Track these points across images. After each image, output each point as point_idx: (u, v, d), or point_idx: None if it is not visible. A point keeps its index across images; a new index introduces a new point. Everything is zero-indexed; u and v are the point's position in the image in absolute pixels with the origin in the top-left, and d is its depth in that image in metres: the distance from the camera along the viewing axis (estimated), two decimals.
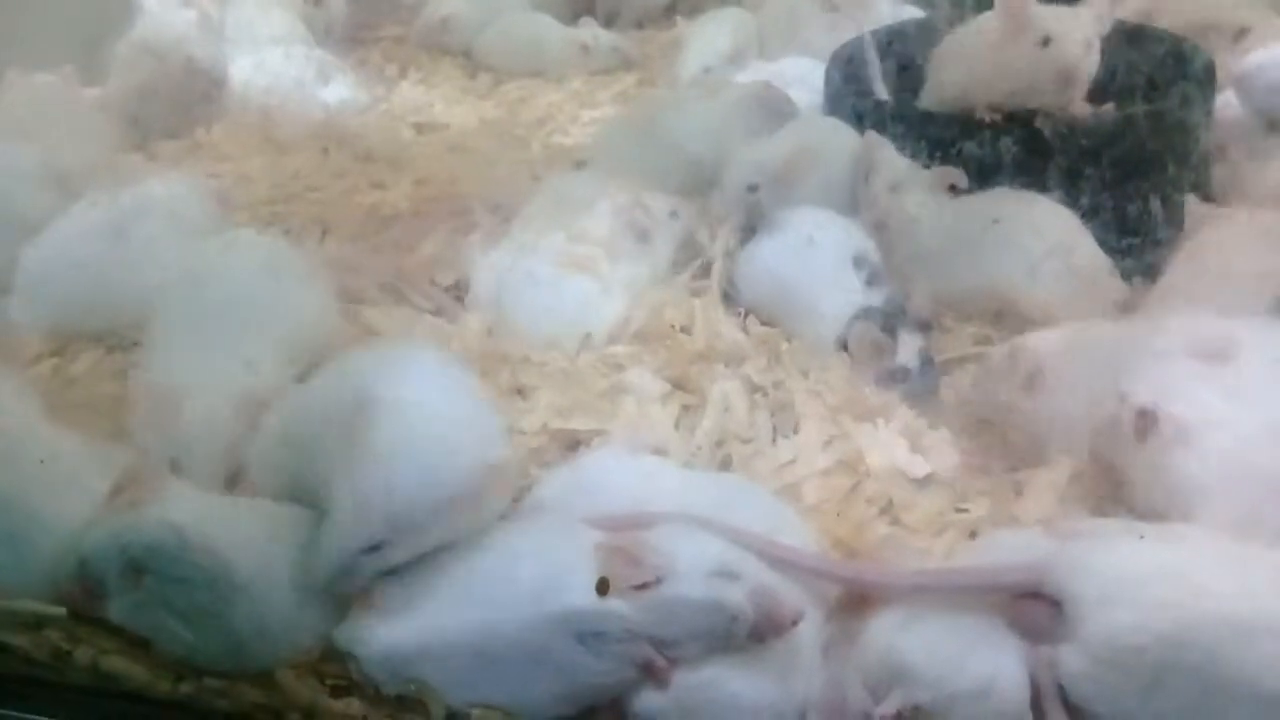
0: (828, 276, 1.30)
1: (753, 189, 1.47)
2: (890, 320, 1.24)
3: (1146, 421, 0.92)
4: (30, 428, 1.03)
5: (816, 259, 1.32)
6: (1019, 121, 1.45)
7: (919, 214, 1.39)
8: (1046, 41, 1.42)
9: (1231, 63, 1.67)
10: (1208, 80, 1.59)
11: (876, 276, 1.31)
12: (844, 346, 1.24)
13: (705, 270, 1.39)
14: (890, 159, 1.45)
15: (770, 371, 1.19)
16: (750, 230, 1.41)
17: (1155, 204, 1.46)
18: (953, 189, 1.40)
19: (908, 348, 1.23)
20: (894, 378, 1.21)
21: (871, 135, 1.48)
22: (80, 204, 1.37)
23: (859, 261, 1.31)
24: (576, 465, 1.01)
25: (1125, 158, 1.46)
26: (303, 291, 1.20)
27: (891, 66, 1.83)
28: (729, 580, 0.83)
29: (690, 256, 1.42)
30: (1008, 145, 1.44)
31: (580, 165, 1.68)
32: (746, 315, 1.32)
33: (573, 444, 1.13)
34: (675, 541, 0.86)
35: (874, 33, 1.87)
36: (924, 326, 1.29)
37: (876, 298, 1.28)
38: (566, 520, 0.93)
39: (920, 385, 1.22)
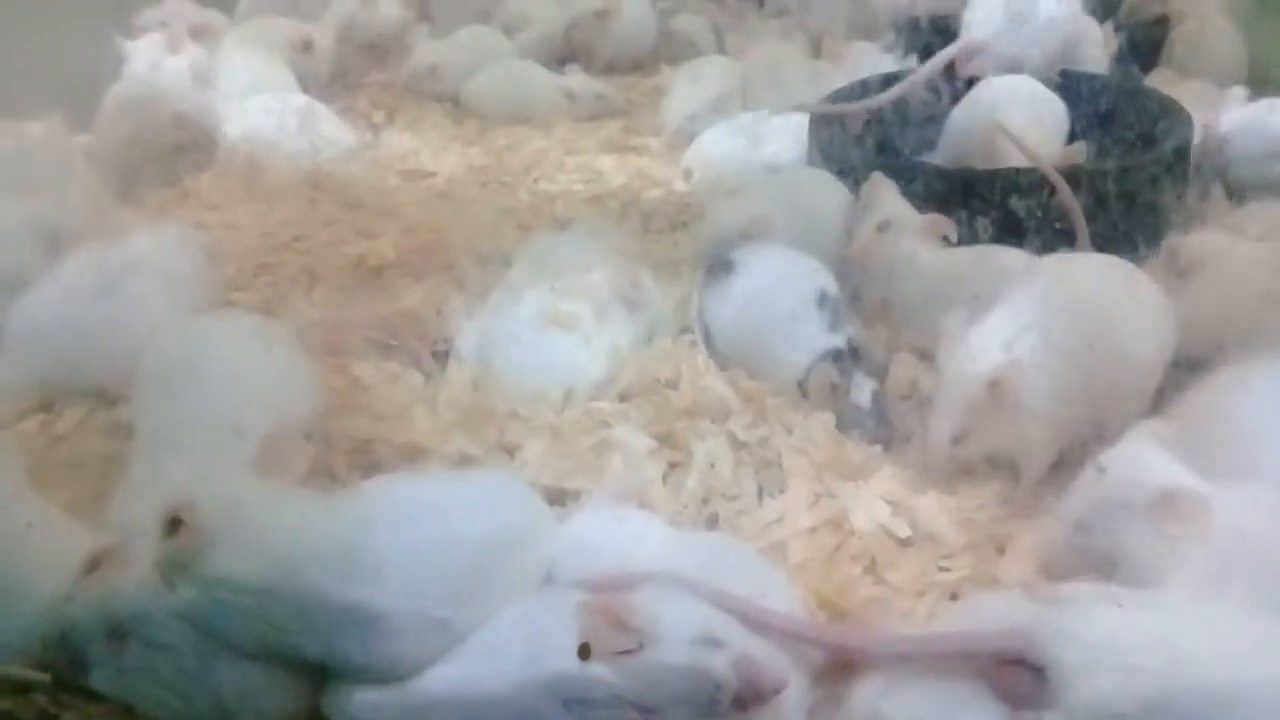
0: (791, 319, 1.31)
1: (727, 242, 1.49)
2: (847, 362, 1.26)
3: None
4: (14, 492, 1.03)
5: (780, 302, 1.33)
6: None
7: (905, 257, 1.40)
8: None
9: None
10: (1188, 139, 1.61)
11: (839, 318, 1.32)
12: (803, 388, 1.25)
13: (689, 326, 1.40)
14: (889, 201, 1.46)
15: (755, 428, 1.20)
16: (717, 273, 1.41)
17: None
18: (943, 238, 1.42)
19: (861, 389, 1.24)
20: (848, 419, 1.23)
21: (878, 176, 1.49)
22: (68, 260, 1.37)
23: (823, 302, 1.32)
24: (563, 525, 1.01)
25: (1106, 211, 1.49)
26: (290, 375, 1.19)
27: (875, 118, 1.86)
28: (713, 647, 0.83)
29: (678, 312, 1.42)
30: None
31: (565, 225, 1.69)
32: (724, 368, 1.33)
33: (560, 500, 1.13)
34: (660, 605, 0.86)
35: (854, 85, 1.91)
36: (880, 368, 1.31)
37: (839, 339, 1.29)
38: (551, 582, 0.93)
39: (872, 426, 1.24)
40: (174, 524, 0.87)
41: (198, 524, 0.86)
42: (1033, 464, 1.16)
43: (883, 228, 1.42)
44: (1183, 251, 1.33)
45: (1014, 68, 1.78)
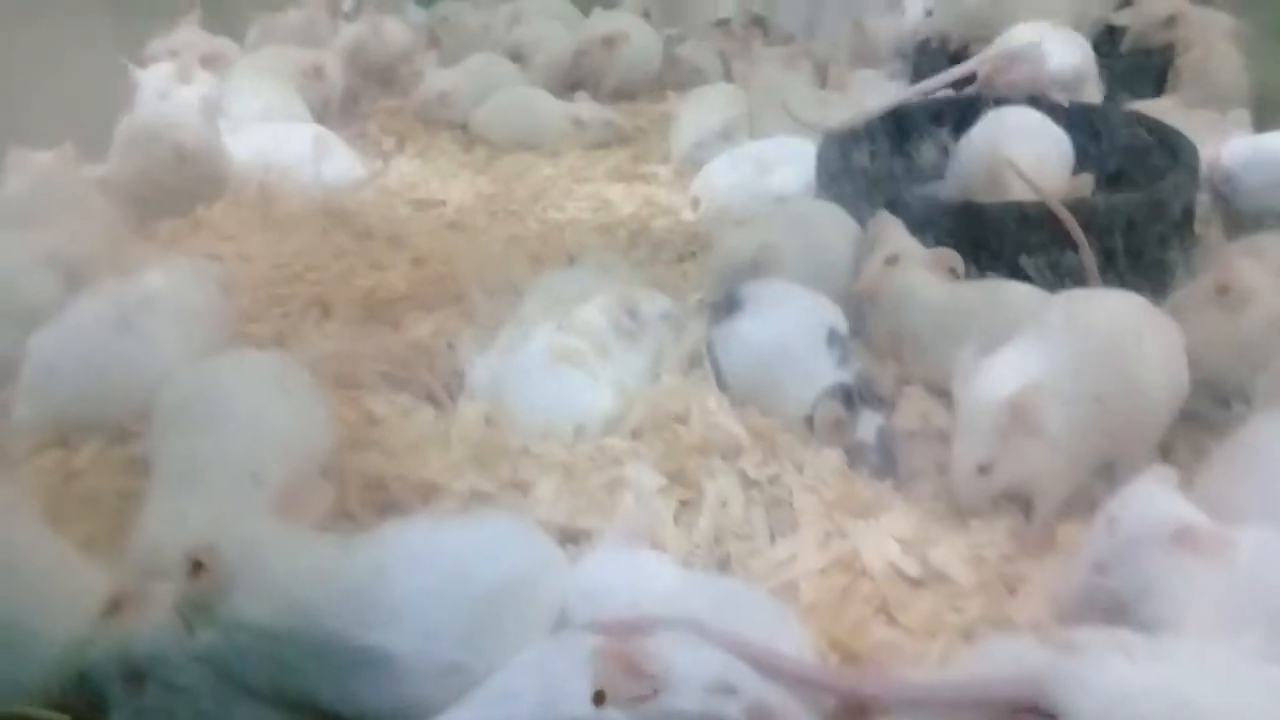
0: (800, 356, 1.32)
1: (735, 272, 1.50)
2: (853, 397, 1.27)
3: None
4: (33, 532, 1.04)
5: (789, 337, 1.34)
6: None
7: (913, 290, 1.42)
8: None
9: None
10: (1194, 170, 1.62)
11: (848, 354, 1.33)
12: (810, 423, 1.26)
13: (699, 360, 1.41)
14: (896, 236, 1.47)
15: (766, 465, 1.21)
16: (724, 308, 1.42)
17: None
18: (951, 272, 1.43)
19: (867, 424, 1.25)
20: (855, 455, 1.24)
21: (883, 214, 1.50)
22: (85, 296, 1.38)
23: (832, 339, 1.33)
24: (575, 566, 1.02)
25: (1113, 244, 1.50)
26: (307, 416, 1.20)
27: (881, 149, 1.88)
28: (726, 694, 0.83)
29: (687, 346, 1.43)
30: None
31: (574, 258, 1.70)
32: (736, 403, 1.34)
33: (573, 539, 1.14)
34: (673, 651, 0.87)
35: (864, 112, 1.93)
36: (886, 403, 1.32)
37: (847, 375, 1.30)
38: (565, 625, 0.94)
39: (879, 462, 1.24)
40: (195, 567, 0.88)
41: (218, 568, 0.88)
42: (1048, 497, 1.17)
43: (890, 261, 1.43)
44: (1234, 282, 1.32)
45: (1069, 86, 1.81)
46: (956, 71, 1.94)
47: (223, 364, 1.23)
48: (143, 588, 0.97)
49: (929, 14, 2.34)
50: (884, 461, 1.25)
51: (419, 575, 0.90)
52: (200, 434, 1.13)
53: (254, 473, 1.09)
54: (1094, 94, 2.03)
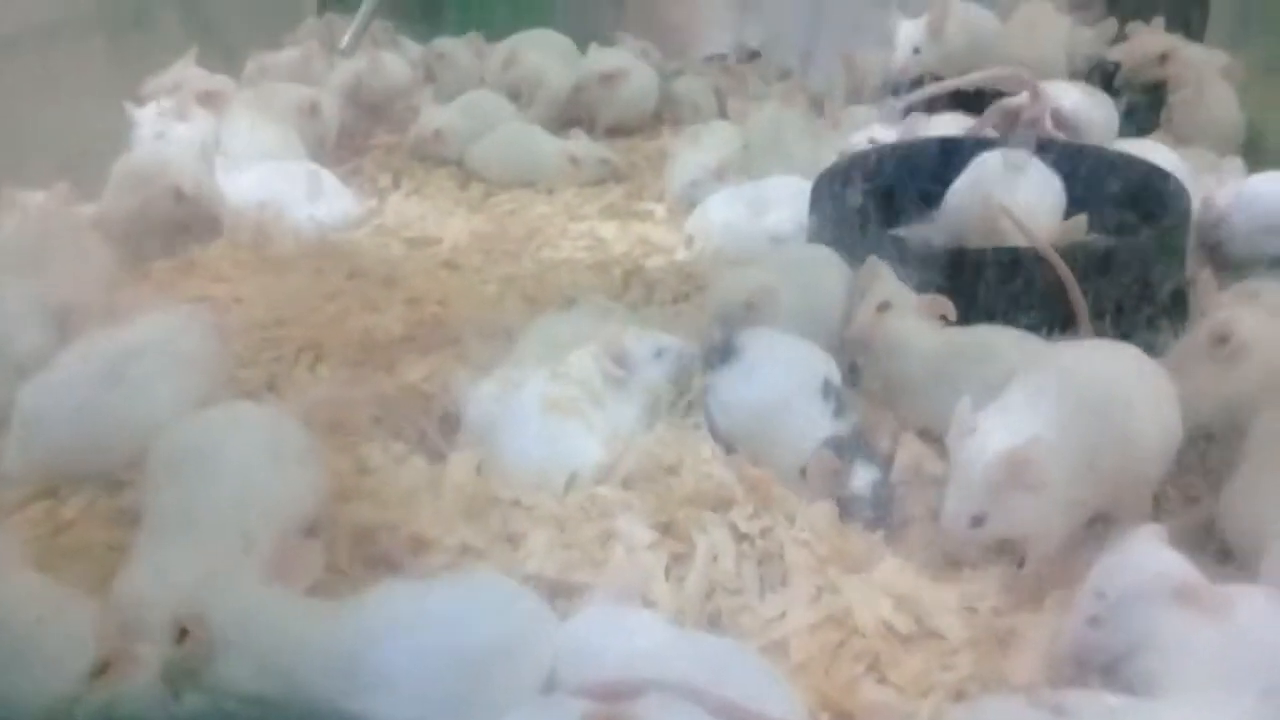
0: (795, 406, 1.32)
1: (729, 317, 1.50)
2: (848, 450, 1.27)
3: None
4: (21, 584, 1.04)
5: (784, 388, 1.34)
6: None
7: (904, 338, 1.42)
8: None
9: None
10: (1185, 213, 1.63)
11: (843, 405, 1.33)
12: (804, 474, 1.26)
13: (693, 406, 1.40)
14: (888, 282, 1.47)
15: (758, 518, 1.20)
16: (719, 356, 1.42)
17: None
18: (943, 318, 1.43)
19: (862, 477, 1.25)
20: (848, 507, 1.24)
21: (873, 261, 1.50)
22: (76, 343, 1.38)
23: (827, 390, 1.33)
24: (565, 625, 1.01)
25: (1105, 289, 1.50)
26: (299, 474, 1.20)
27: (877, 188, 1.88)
28: None
29: (682, 391, 1.43)
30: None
31: (570, 301, 1.70)
32: (729, 451, 1.34)
33: (564, 593, 1.13)
34: (662, 715, 0.86)
35: (856, 154, 1.93)
36: (884, 457, 1.32)
37: (842, 426, 1.30)
38: (553, 687, 0.94)
39: (873, 514, 1.24)
40: (181, 633, 0.88)
41: (204, 635, 0.87)
42: (1040, 546, 1.17)
43: (882, 309, 1.43)
44: (1232, 333, 1.32)
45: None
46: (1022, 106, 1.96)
47: (215, 418, 1.23)
48: (131, 649, 0.97)
49: (917, 51, 2.35)
50: (878, 514, 1.25)
51: (406, 640, 0.90)
52: (191, 489, 1.13)
53: (244, 531, 1.08)
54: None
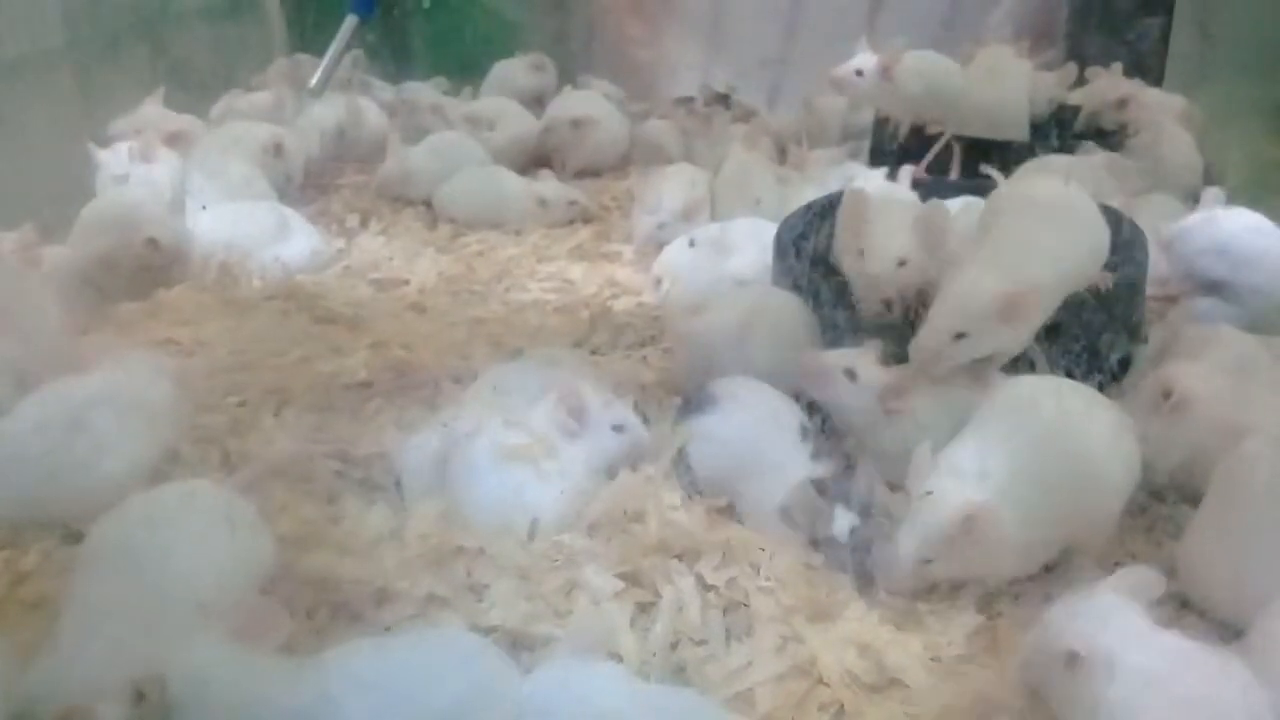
0: (773, 452, 1.33)
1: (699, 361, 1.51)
2: (827, 493, 1.27)
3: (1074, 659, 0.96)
4: None
5: (762, 432, 1.35)
6: None
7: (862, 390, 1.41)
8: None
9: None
10: (1143, 258, 1.65)
11: (821, 449, 1.34)
12: (784, 515, 1.26)
13: (661, 451, 1.40)
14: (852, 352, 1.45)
15: (724, 568, 1.20)
16: (697, 405, 1.42)
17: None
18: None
19: (840, 523, 1.26)
20: (823, 548, 1.24)
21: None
22: (36, 394, 1.37)
23: (804, 434, 1.35)
24: (528, 679, 1.01)
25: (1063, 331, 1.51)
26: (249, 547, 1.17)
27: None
28: None
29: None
30: None
31: (518, 353, 1.70)
32: (694, 496, 1.34)
33: (528, 645, 1.13)
34: None
35: (820, 200, 1.95)
36: (863, 507, 1.32)
37: (821, 469, 1.31)
38: None
39: (849, 560, 1.24)
40: (138, 695, 0.87)
41: (160, 696, 0.86)
42: (996, 579, 1.20)
43: (850, 377, 1.42)
44: (1175, 388, 1.35)
45: None
46: None
47: (162, 501, 1.17)
48: (89, 708, 0.95)
49: (859, 74, 2.34)
50: (856, 559, 1.24)
51: (368, 699, 0.89)
52: (137, 569, 1.08)
53: (198, 602, 1.05)
54: None
